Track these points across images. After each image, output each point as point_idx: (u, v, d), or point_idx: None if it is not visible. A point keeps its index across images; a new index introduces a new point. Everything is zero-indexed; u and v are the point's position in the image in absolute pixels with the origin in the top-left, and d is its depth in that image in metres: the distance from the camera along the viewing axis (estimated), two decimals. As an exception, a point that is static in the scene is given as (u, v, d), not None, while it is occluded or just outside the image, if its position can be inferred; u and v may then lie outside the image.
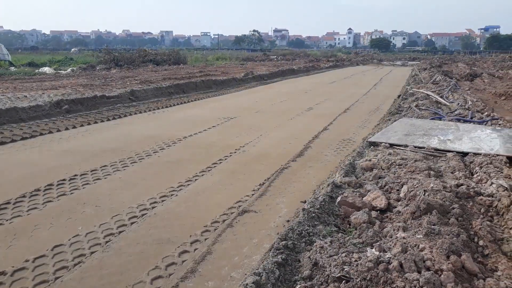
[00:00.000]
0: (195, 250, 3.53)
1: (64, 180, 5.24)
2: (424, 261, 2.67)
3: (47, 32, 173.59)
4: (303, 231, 3.35)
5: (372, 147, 6.36)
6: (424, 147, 5.96)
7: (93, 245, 3.58)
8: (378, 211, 3.82)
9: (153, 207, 4.42)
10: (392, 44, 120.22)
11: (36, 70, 22.54)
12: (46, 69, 23.01)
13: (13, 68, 24.06)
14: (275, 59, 44.21)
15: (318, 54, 57.74)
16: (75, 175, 5.42)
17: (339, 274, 2.61)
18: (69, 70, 23.14)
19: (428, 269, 2.62)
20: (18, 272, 3.17)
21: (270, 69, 25.36)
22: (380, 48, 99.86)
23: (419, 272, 2.57)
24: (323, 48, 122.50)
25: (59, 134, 7.92)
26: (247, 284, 2.56)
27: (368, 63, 43.26)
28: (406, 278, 2.50)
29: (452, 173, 4.83)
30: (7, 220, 4.07)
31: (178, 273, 3.16)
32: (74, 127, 8.53)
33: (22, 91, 12.02)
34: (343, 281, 2.57)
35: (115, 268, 3.24)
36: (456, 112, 9.07)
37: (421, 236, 3.01)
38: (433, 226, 3.12)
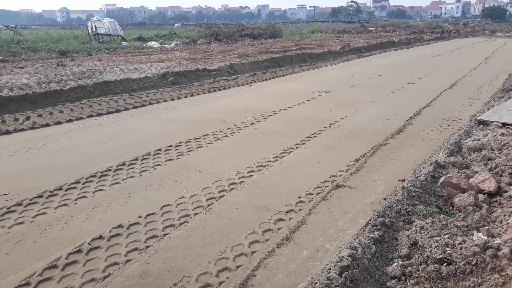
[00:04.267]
0: (290, 219, 3.63)
1: (170, 146, 5.68)
2: (540, 251, 2.46)
3: (153, 8, 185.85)
4: (401, 210, 3.26)
5: (481, 126, 5.87)
6: (545, 129, 5.34)
7: (196, 207, 3.87)
8: (486, 195, 3.56)
9: (250, 175, 4.61)
10: (508, 13, 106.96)
11: (144, 44, 24.34)
12: (152, 43, 24.72)
13: (124, 42, 26.26)
14: (374, 31, 42.19)
15: (421, 25, 53.83)
16: (180, 142, 5.84)
17: (440, 256, 2.52)
18: (173, 44, 24.57)
19: (544, 259, 2.41)
20: (133, 226, 3.56)
21: (368, 41, 24.29)
22: (494, 18, 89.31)
23: (533, 262, 2.37)
24: (427, 19, 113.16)
25: (165, 104, 8.55)
26: (342, 256, 2.58)
27: (478, 34, 39.15)
28: (518, 267, 2.33)
29: None
30: (123, 180, 4.56)
31: (274, 239, 3.30)
32: (179, 98, 9.13)
33: (133, 64, 13.09)
34: (445, 263, 2.48)
35: (216, 229, 3.48)
36: None
37: (538, 225, 2.75)
38: (552, 215, 2.83)
